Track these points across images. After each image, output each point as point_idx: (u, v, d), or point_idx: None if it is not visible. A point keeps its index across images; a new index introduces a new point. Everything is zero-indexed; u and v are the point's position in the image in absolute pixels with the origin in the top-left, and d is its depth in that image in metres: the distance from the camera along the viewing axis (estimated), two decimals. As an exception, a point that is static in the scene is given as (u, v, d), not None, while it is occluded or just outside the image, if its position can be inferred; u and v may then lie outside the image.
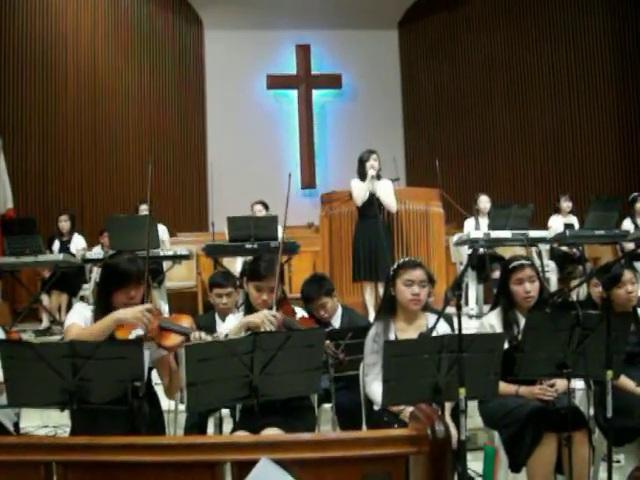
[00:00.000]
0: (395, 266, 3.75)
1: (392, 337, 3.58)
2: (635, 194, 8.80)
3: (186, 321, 3.26)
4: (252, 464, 1.80)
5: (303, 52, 12.50)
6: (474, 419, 4.00)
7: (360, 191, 6.50)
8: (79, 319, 3.15)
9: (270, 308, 3.42)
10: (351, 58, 12.44)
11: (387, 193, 6.55)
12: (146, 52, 12.06)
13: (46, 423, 5.05)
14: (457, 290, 2.88)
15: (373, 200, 6.45)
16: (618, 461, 4.02)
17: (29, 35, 11.37)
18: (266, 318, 3.26)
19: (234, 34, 12.28)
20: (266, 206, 7.87)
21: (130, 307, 3.14)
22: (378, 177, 6.56)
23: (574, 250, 7.97)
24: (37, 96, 11.37)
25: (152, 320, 3.06)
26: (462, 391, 2.82)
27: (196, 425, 4.12)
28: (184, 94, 12.21)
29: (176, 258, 7.31)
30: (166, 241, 8.04)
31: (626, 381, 3.64)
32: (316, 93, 12.57)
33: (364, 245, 6.47)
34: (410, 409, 1.95)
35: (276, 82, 12.42)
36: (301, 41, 12.45)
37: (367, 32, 12.54)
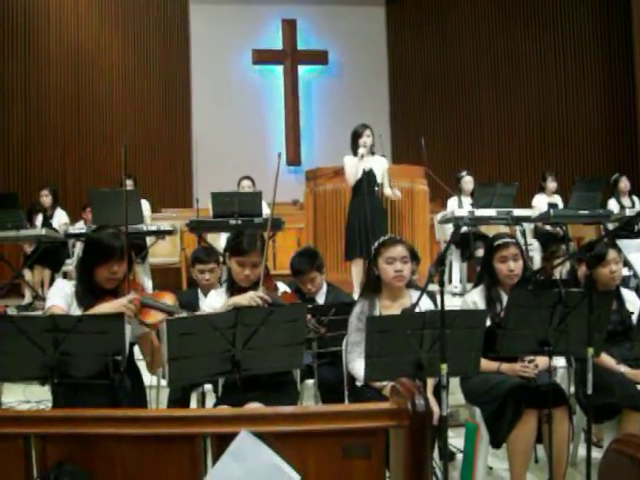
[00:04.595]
0: (376, 245, 3.74)
1: (377, 315, 3.57)
2: (617, 175, 8.86)
3: (169, 298, 3.24)
4: (232, 437, 1.80)
5: (289, 27, 12.39)
6: (456, 396, 4.02)
7: (352, 167, 6.40)
8: (60, 298, 3.12)
9: (256, 284, 3.40)
10: (338, 34, 12.36)
11: (383, 174, 6.48)
12: (130, 25, 11.91)
13: (28, 398, 5.02)
14: (440, 266, 2.88)
15: (369, 176, 6.38)
16: (601, 446, 4.04)
17: (11, 6, 11.20)
18: (252, 299, 3.23)
19: (219, 8, 12.16)
20: (253, 182, 7.81)
21: (113, 283, 3.13)
22: (372, 153, 6.50)
23: (558, 229, 8.01)
24: (19, 68, 11.23)
25: (137, 308, 3.05)
26: (444, 367, 2.83)
27: (179, 400, 4.12)
28: (169, 68, 12.08)
29: (160, 234, 7.27)
30: (147, 216, 7.96)
31: (607, 359, 3.67)
32: (302, 69, 12.49)
33: (359, 222, 6.35)
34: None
35: (262, 57, 12.32)
36: (287, 16, 12.34)
37: (354, 8, 12.46)
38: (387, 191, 6.53)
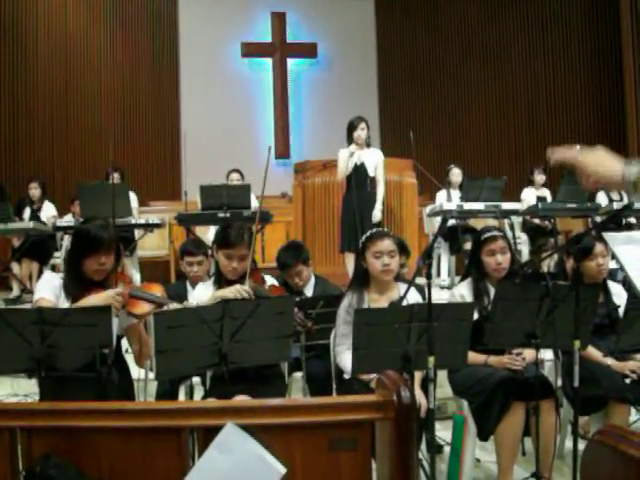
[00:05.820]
0: (363, 239, 3.75)
1: (365, 308, 3.58)
2: None
3: (157, 290, 3.24)
4: (218, 429, 1.80)
5: (278, 20, 12.34)
6: (443, 389, 4.03)
7: (343, 163, 6.37)
8: (48, 291, 3.11)
9: (243, 277, 3.40)
10: (327, 27, 12.31)
11: (377, 167, 6.47)
12: (119, 17, 11.82)
13: (16, 392, 5.01)
14: (427, 259, 2.89)
15: (359, 170, 6.37)
16: (587, 438, 4.06)
17: (-2, -2, 11.13)
18: (238, 292, 3.23)
19: (209, 0, 12.11)
20: (242, 175, 7.81)
21: (101, 274, 3.12)
22: (367, 145, 6.49)
23: (546, 223, 8.03)
24: (7, 60, 11.13)
25: (125, 300, 3.04)
26: (431, 360, 2.84)
27: (167, 393, 4.11)
28: (157, 61, 12.01)
29: (148, 227, 7.24)
30: (134, 209, 7.92)
31: (593, 352, 3.68)
32: (291, 62, 12.44)
33: (348, 216, 6.37)
34: (380, 377, 2.00)
35: (251, 50, 12.26)
36: (277, 8, 12.28)
37: (344, 1, 12.42)
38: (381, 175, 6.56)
